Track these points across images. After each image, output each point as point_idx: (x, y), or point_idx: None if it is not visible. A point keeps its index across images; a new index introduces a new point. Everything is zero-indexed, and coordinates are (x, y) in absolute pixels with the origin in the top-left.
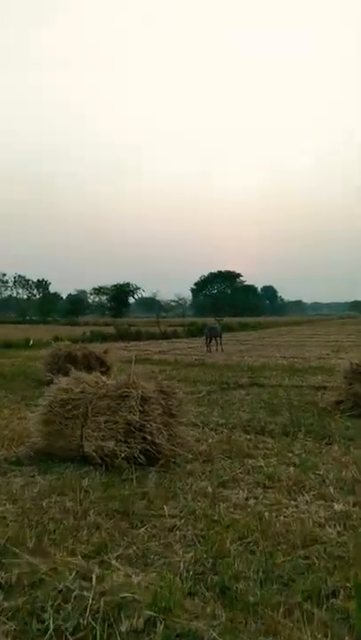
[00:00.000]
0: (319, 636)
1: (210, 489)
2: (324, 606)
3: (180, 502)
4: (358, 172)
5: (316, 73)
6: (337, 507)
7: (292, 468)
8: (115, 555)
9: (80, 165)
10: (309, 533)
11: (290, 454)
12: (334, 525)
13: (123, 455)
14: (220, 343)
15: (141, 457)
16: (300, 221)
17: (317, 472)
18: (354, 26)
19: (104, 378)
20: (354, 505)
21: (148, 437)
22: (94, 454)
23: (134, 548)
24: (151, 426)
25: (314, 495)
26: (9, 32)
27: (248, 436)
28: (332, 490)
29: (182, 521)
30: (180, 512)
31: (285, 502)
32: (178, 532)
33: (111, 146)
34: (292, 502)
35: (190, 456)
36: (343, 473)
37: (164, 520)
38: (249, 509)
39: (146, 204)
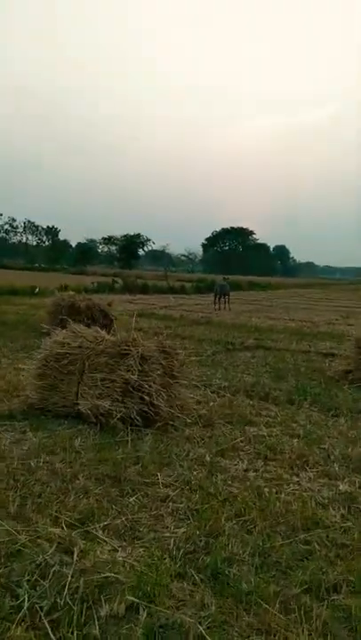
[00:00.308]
0: (317, 637)
1: (208, 457)
2: (325, 602)
3: (176, 470)
4: None
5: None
6: (342, 487)
7: (295, 440)
8: (101, 525)
9: (95, 112)
10: (311, 515)
11: (294, 424)
12: (338, 508)
13: (119, 415)
14: (228, 302)
15: (138, 418)
16: (317, 182)
17: (322, 446)
18: None
19: (104, 333)
20: (360, 486)
21: (147, 398)
22: (89, 412)
23: (123, 518)
24: (150, 386)
25: (318, 472)
26: None
27: (251, 402)
28: (337, 467)
29: (176, 491)
30: (175, 481)
31: (287, 478)
32: (171, 504)
33: (126, 92)
34: (294, 478)
35: (189, 420)
36: (350, 449)
37: (156, 489)
38: (248, 483)
39: (162, 155)
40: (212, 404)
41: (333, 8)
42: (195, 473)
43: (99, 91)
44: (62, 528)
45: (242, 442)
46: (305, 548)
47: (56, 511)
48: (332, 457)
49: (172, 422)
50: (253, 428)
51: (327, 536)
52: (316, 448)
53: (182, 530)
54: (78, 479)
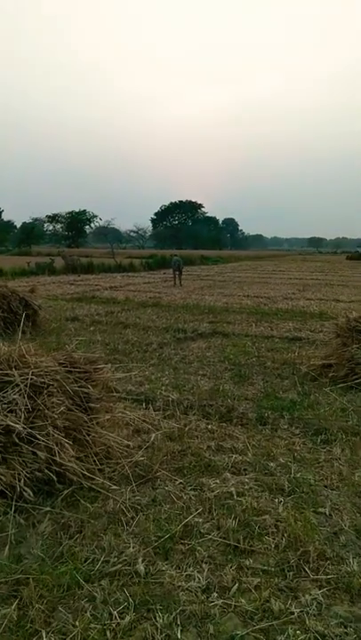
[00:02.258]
0: None
1: (141, 565)
2: None
3: (79, 616)
4: (318, 107)
5: None
6: None
7: (280, 504)
8: None
9: (35, 84)
10: None
11: (272, 465)
12: None
13: None
14: (180, 277)
15: (27, 490)
16: (261, 155)
17: (321, 510)
18: None
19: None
20: None
21: (42, 454)
22: None
23: None
24: (48, 435)
25: (329, 587)
26: None
27: (209, 425)
28: (356, 566)
29: None
30: None
31: (280, 608)
32: None
33: (72, 63)
34: (292, 606)
35: (116, 475)
36: None
37: None
38: (210, 630)
39: (107, 128)
40: (153, 436)
41: None
42: (116, 617)
43: (41, 63)
44: None
45: (198, 515)
46: None
47: None
48: (342, 538)
49: (88, 485)
50: (214, 481)
51: None
52: (313, 517)
53: None
54: None
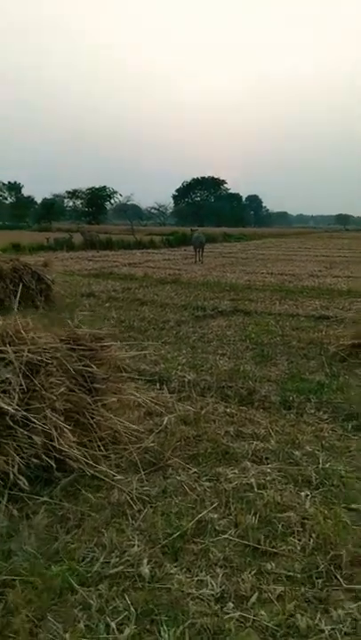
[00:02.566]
0: None
1: (146, 567)
2: None
3: (66, 626)
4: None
5: None
6: None
7: (306, 498)
8: None
9: (59, 64)
10: None
11: (297, 454)
12: None
13: None
14: (202, 255)
15: (21, 478)
16: (286, 131)
17: (355, 506)
18: None
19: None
20: None
21: (39, 439)
22: None
23: None
24: (45, 418)
25: None
26: None
27: (228, 409)
28: None
29: None
30: None
31: (309, 633)
32: None
33: (94, 46)
34: (321, 631)
35: (123, 462)
36: None
37: None
38: None
39: (129, 104)
40: (166, 420)
41: None
42: (114, 629)
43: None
44: None
45: (213, 510)
46: None
47: None
48: None
49: (91, 472)
50: (233, 471)
51: None
52: (345, 514)
53: None
54: None
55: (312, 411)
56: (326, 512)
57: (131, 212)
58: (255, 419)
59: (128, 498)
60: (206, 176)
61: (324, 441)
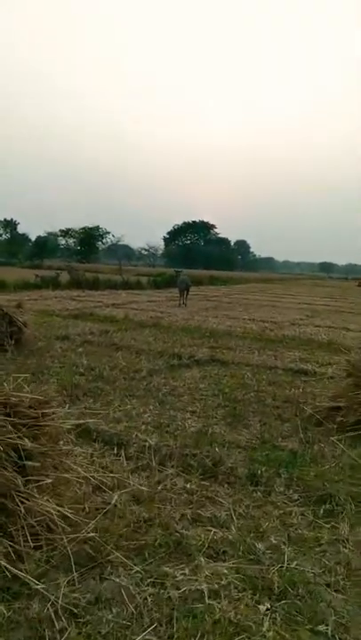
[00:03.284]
0: None
1: None
2: None
3: None
4: (335, 135)
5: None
6: None
7: (266, 616)
8: None
9: (55, 104)
10: None
11: (260, 546)
12: None
13: None
14: (186, 297)
15: None
16: (276, 179)
17: (321, 628)
18: None
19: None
20: None
21: None
22: None
23: None
24: None
25: None
26: None
27: (188, 484)
28: None
29: None
30: None
31: None
32: None
33: (88, 87)
34: None
35: (55, 557)
36: None
37: None
38: None
39: (128, 146)
40: (115, 498)
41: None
42: None
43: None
44: None
45: (153, 630)
46: None
47: None
48: None
49: (11, 572)
50: (182, 571)
51: None
52: None
53: None
54: None
55: (281, 488)
56: (288, 636)
57: (121, 252)
58: (217, 497)
59: (52, 610)
60: (197, 220)
61: (291, 529)
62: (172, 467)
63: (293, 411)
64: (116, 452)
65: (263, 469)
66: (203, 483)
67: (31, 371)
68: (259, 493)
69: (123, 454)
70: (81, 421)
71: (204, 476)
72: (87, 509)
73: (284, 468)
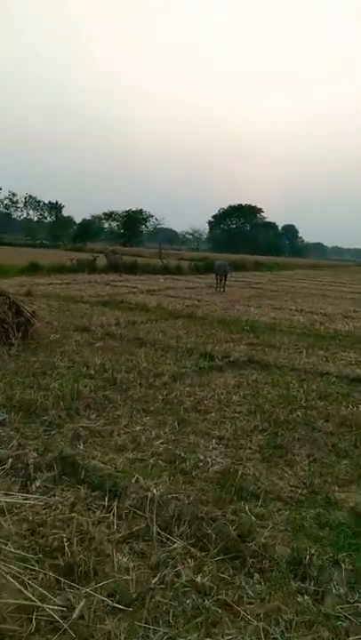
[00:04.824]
0: None
1: None
2: None
3: None
4: None
5: None
6: None
7: None
8: None
9: (98, 89)
10: None
11: None
12: None
13: None
14: (224, 284)
15: None
16: (327, 161)
17: None
18: None
19: None
20: None
21: None
22: None
23: None
24: None
25: None
26: None
27: (199, 574)
28: None
29: None
30: None
31: None
32: None
33: (134, 71)
34: None
35: None
36: None
37: None
38: None
39: (173, 133)
40: (81, 605)
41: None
42: None
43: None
44: None
45: None
46: None
47: None
48: None
49: None
50: None
51: None
52: None
53: None
54: None
55: (341, 590)
56: None
57: (162, 235)
58: (241, 607)
59: None
60: (243, 204)
61: None
62: (180, 537)
63: (353, 440)
64: (106, 503)
65: (312, 550)
66: (221, 569)
67: (33, 371)
68: (306, 597)
69: (114, 509)
70: (138, 385)
71: (226, 555)
72: (33, 625)
73: (342, 549)
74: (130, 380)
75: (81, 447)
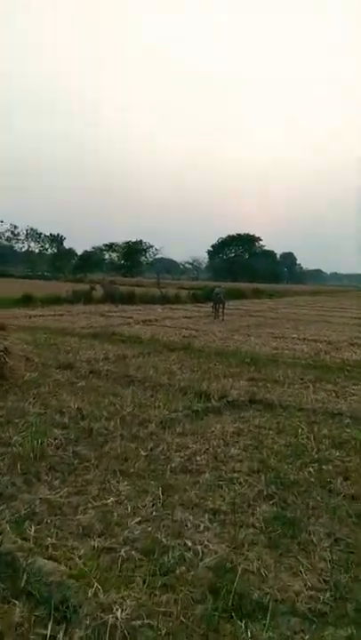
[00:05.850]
0: None
1: None
2: None
3: None
4: None
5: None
6: None
7: None
8: None
9: (97, 121)
10: None
11: None
12: None
13: None
14: (223, 312)
15: None
16: (322, 188)
17: None
18: None
19: None
20: None
21: None
22: None
23: None
24: None
25: None
26: None
27: None
28: None
29: None
30: None
31: None
32: None
33: (129, 101)
34: None
35: None
36: None
37: None
38: None
39: (173, 165)
40: None
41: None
42: None
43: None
44: None
45: None
46: None
47: None
48: None
49: None
50: None
51: None
52: None
53: None
54: None
55: None
56: None
57: (160, 265)
58: None
59: None
60: (242, 233)
61: None
62: None
63: None
64: (49, 632)
65: None
66: None
67: None
68: None
69: None
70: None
71: None
72: None
73: None
74: (109, 430)
75: (32, 532)
